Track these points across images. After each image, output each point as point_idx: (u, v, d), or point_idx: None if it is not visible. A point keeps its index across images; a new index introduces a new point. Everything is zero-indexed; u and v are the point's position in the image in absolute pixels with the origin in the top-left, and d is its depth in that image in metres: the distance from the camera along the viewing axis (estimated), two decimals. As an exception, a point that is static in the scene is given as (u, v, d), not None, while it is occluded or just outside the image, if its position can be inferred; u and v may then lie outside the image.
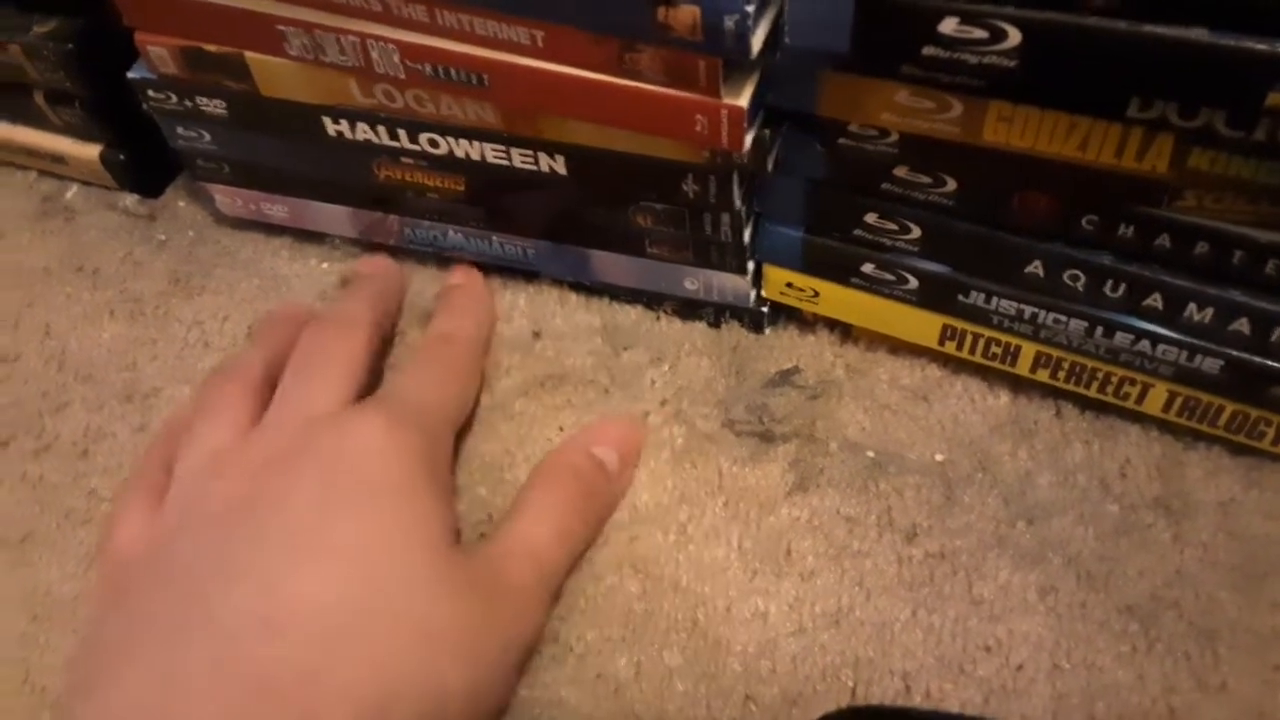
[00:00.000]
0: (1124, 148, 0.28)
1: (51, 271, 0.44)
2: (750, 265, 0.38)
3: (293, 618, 0.27)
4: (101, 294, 0.43)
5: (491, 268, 0.42)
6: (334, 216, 0.42)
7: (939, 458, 0.36)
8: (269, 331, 0.37)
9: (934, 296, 0.36)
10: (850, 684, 0.31)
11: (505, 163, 0.36)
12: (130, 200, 0.46)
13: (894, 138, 0.31)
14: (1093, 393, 0.36)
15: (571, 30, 0.31)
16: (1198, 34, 0.25)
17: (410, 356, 0.36)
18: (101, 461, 0.38)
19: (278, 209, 0.43)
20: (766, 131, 0.33)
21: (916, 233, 0.34)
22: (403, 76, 0.34)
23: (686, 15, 0.28)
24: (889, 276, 0.36)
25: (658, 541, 0.34)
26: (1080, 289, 0.33)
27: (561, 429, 0.37)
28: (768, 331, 0.40)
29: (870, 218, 0.34)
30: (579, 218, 0.38)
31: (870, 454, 0.36)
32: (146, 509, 0.32)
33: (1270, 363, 0.32)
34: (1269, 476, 0.35)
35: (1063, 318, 0.34)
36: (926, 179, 0.32)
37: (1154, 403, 0.35)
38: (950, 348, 0.37)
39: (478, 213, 0.39)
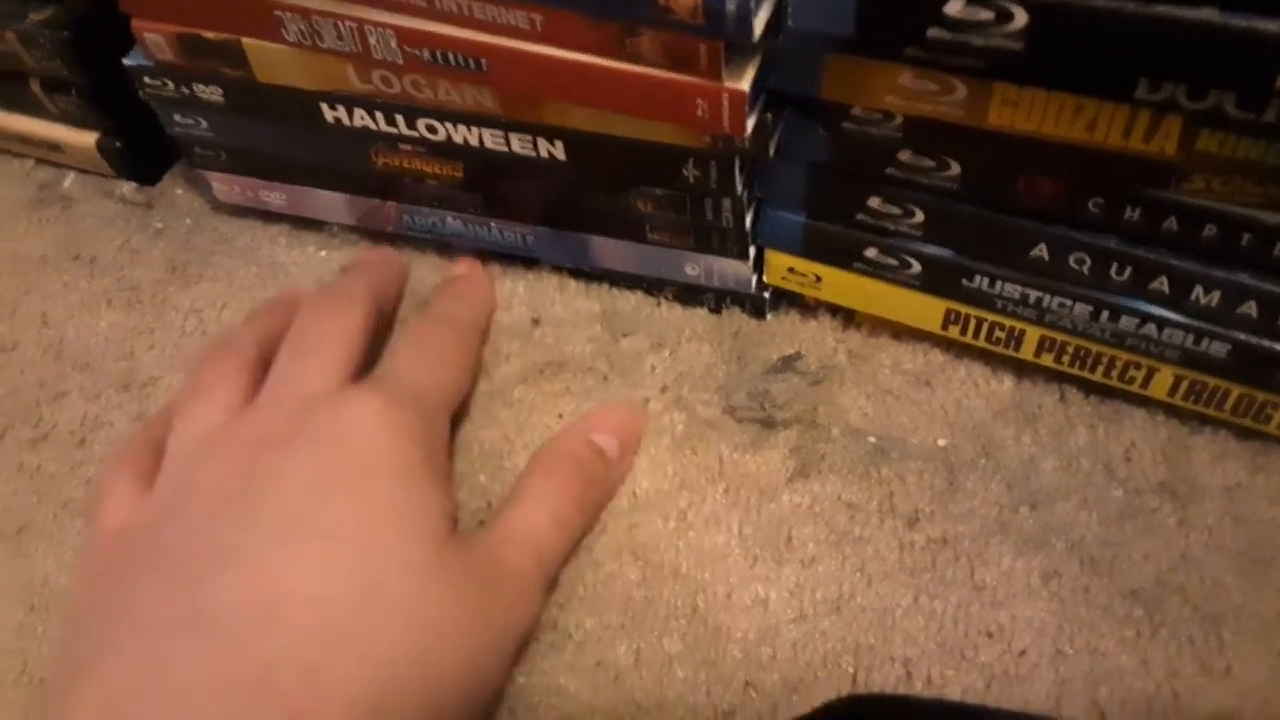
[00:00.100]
0: (1131, 129, 0.28)
1: (48, 260, 0.44)
2: (751, 250, 0.37)
3: (289, 611, 0.26)
4: (99, 282, 0.43)
5: (490, 254, 0.42)
6: (332, 203, 0.42)
7: (941, 443, 0.36)
8: (265, 311, 0.37)
9: (937, 281, 0.35)
10: (851, 670, 0.31)
11: (504, 148, 0.36)
12: (127, 188, 0.46)
13: (898, 121, 0.31)
14: (1098, 377, 0.35)
15: (570, 14, 0.30)
16: (1208, 15, 0.24)
17: (405, 336, 0.35)
18: (99, 451, 0.38)
19: (275, 196, 0.43)
20: (768, 115, 0.32)
21: (920, 217, 0.34)
22: (400, 62, 0.34)
23: (687, -2, 0.28)
24: (892, 261, 0.36)
25: (658, 528, 0.34)
26: (1086, 272, 0.33)
27: (561, 416, 0.37)
28: (769, 317, 0.40)
29: (873, 202, 0.34)
30: (578, 203, 0.38)
31: (872, 439, 0.36)
32: (136, 486, 0.31)
33: (1278, 346, 0.31)
34: (1275, 461, 0.34)
35: (1068, 302, 0.34)
36: (930, 163, 0.32)
37: (1160, 387, 0.35)
38: (954, 332, 0.37)
39: (476, 199, 0.39)
